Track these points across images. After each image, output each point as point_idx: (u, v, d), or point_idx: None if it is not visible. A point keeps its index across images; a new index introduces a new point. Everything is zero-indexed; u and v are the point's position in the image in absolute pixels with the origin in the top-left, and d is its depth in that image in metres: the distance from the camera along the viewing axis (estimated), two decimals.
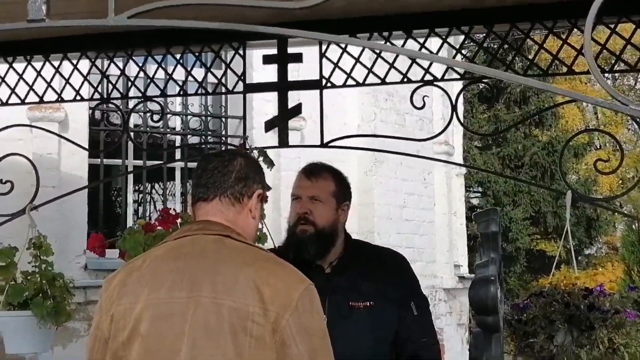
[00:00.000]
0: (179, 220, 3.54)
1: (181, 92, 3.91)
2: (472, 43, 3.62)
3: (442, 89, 3.66)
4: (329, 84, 3.59)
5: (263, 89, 3.90)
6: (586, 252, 20.93)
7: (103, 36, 3.67)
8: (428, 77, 3.49)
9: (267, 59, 3.62)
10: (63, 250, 6.05)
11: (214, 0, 1.92)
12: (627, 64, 3.34)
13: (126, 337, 2.13)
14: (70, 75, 3.85)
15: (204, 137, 7.95)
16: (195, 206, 2.31)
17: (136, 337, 2.12)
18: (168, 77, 3.82)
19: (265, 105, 6.73)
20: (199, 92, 3.94)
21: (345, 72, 3.56)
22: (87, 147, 6.41)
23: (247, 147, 3.81)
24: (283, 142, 3.60)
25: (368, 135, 6.82)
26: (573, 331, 2.90)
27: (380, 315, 3.08)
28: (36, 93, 3.91)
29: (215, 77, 3.79)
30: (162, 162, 7.28)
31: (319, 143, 3.64)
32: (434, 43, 3.60)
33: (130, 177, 7.68)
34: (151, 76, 3.81)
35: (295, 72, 3.66)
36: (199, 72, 3.86)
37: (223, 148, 6.51)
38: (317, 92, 3.62)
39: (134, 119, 7.50)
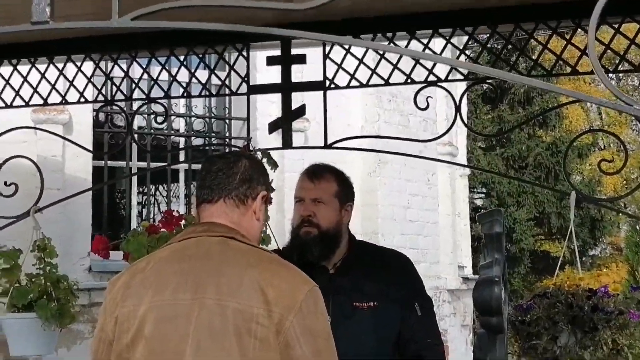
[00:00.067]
0: (182, 222, 3.54)
1: (185, 94, 3.91)
2: (475, 43, 3.61)
3: (446, 90, 3.66)
4: (332, 85, 3.60)
5: (267, 91, 3.90)
6: (590, 253, 20.91)
7: (107, 38, 3.68)
8: (432, 78, 3.49)
9: (270, 61, 3.63)
10: (67, 252, 6.06)
11: (217, 2, 1.92)
12: (631, 64, 3.34)
13: (130, 339, 2.14)
14: (74, 77, 3.86)
15: (207, 138, 7.95)
16: (199, 208, 2.31)
17: (140, 339, 2.12)
18: (172, 78, 3.83)
19: (269, 107, 6.72)
20: (203, 93, 3.95)
21: (348, 73, 3.56)
22: (91, 149, 6.41)
23: (251, 148, 3.81)
24: (287, 144, 3.60)
25: (372, 137, 6.82)
26: (577, 332, 2.89)
27: (384, 315, 3.08)
28: (40, 95, 3.92)
29: (219, 78, 3.79)
30: (166, 163, 7.28)
31: (322, 144, 3.64)
32: (437, 44, 3.60)
33: (135, 179, 7.67)
34: (155, 78, 3.82)
35: (299, 73, 3.66)
36: (202, 74, 3.86)
37: (227, 149, 6.52)
38: (321, 93, 3.62)
39: (138, 121, 7.51)
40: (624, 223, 20.23)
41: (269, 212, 2.64)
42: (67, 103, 3.99)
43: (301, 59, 3.58)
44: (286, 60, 3.58)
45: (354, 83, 3.58)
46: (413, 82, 3.52)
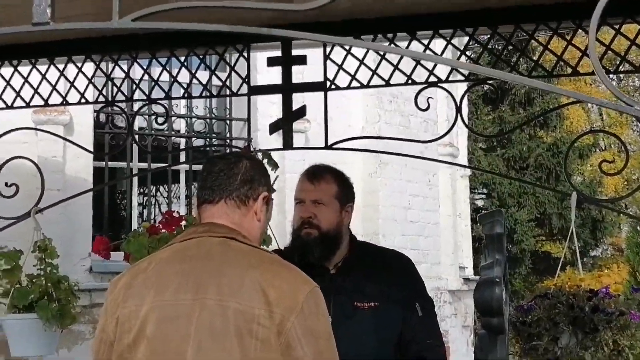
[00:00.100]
0: (183, 223, 3.54)
1: (186, 95, 3.92)
2: (476, 44, 3.61)
3: (447, 91, 3.66)
4: (333, 86, 3.60)
5: (267, 91, 3.90)
6: (591, 254, 20.91)
7: (107, 39, 3.68)
8: (432, 79, 3.49)
9: (271, 61, 3.63)
10: (68, 253, 6.05)
11: (217, 3, 1.93)
12: (632, 64, 3.34)
13: (132, 340, 2.14)
14: (75, 78, 3.86)
15: (208, 139, 7.95)
16: (200, 208, 2.31)
17: (142, 339, 2.12)
18: (172, 79, 3.83)
19: (269, 108, 6.72)
20: (204, 94, 3.95)
21: (349, 74, 3.56)
22: (92, 150, 6.41)
23: (252, 149, 3.81)
24: (287, 144, 3.60)
25: (372, 137, 6.82)
26: (578, 333, 2.89)
27: (385, 316, 3.08)
28: (41, 96, 3.92)
29: (220, 79, 3.79)
30: (166, 164, 7.28)
31: (323, 145, 3.64)
32: (438, 44, 3.60)
33: (135, 179, 7.67)
34: (156, 79, 3.82)
35: (299, 74, 3.66)
36: (203, 75, 3.86)
37: (228, 150, 6.53)
38: (322, 94, 3.62)
39: (139, 122, 7.51)
40: (625, 224, 20.23)
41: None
42: (67, 104, 4.00)
43: (302, 60, 3.58)
44: (287, 61, 3.58)
45: (354, 84, 3.58)
46: (414, 82, 3.52)
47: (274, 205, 2.45)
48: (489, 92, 17.54)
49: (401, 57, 3.45)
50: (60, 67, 3.91)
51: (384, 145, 6.04)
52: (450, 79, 3.57)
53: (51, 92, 3.91)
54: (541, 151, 18.89)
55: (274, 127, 3.65)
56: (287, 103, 3.59)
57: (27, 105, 3.98)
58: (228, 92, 3.88)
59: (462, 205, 10.68)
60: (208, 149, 8.15)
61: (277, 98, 3.79)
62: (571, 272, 3.21)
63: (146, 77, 3.87)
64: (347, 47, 3.56)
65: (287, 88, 3.60)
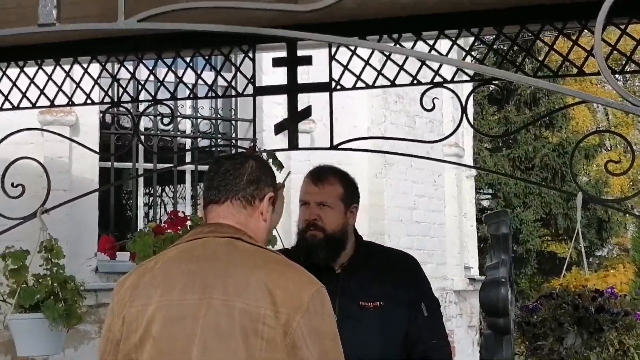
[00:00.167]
0: (188, 223, 3.54)
1: (191, 95, 3.92)
2: (481, 45, 3.61)
3: (452, 91, 3.66)
4: (338, 87, 3.60)
5: (273, 92, 3.90)
6: (597, 254, 20.88)
7: (113, 40, 3.69)
8: (438, 79, 3.49)
9: (276, 62, 3.63)
10: (74, 253, 6.07)
11: (223, 4, 1.93)
12: (637, 64, 3.33)
13: (138, 339, 2.14)
14: (81, 79, 3.87)
15: (214, 139, 7.96)
16: (206, 209, 2.31)
17: (148, 338, 2.13)
18: (178, 80, 3.83)
19: (275, 108, 6.72)
20: (209, 95, 3.95)
21: (354, 74, 3.56)
22: (97, 150, 6.43)
23: (257, 149, 3.82)
24: (293, 145, 3.60)
25: (378, 138, 6.83)
26: (583, 333, 2.89)
27: (390, 316, 3.08)
28: (47, 97, 3.93)
29: (225, 80, 3.79)
30: (172, 165, 7.30)
31: (328, 145, 3.65)
32: (443, 45, 3.60)
33: (141, 180, 7.69)
34: (161, 79, 3.82)
35: (305, 74, 3.66)
36: (209, 76, 3.86)
37: (233, 151, 6.53)
38: (327, 94, 3.62)
39: (145, 122, 7.52)
40: (631, 224, 20.18)
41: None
42: (73, 104, 4.00)
43: (307, 61, 3.58)
44: (292, 62, 3.58)
45: (360, 84, 3.58)
46: (419, 83, 3.52)
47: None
48: (495, 92, 17.49)
49: (406, 58, 3.45)
50: (66, 68, 3.92)
51: (390, 146, 6.05)
52: (455, 79, 3.57)
53: (57, 92, 3.91)
54: (547, 151, 18.88)
55: (279, 128, 3.65)
56: (292, 103, 3.59)
57: (33, 106, 3.99)
58: (233, 93, 3.88)
59: (467, 205, 10.68)
60: (213, 149, 8.16)
61: (283, 99, 3.79)
62: (577, 272, 3.21)
63: (152, 77, 3.87)
64: (353, 48, 3.56)
65: (292, 88, 3.60)
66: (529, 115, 18.89)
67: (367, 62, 3.57)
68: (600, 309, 2.90)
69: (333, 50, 3.60)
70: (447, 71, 3.54)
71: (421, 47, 3.44)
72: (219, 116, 7.91)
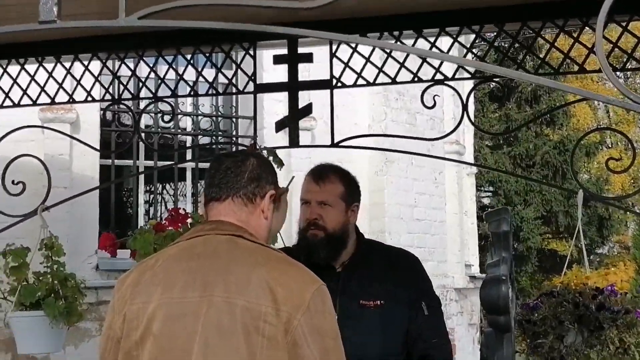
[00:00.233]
0: (189, 220, 3.54)
1: (192, 93, 3.92)
2: (483, 42, 3.61)
3: (453, 88, 3.66)
4: (339, 84, 3.60)
5: (274, 89, 3.90)
6: (598, 252, 20.89)
7: (114, 37, 3.68)
8: (439, 77, 3.49)
9: (277, 59, 3.63)
10: (75, 250, 6.08)
11: (224, 1, 1.92)
12: (639, 62, 3.33)
13: (139, 337, 2.14)
14: (82, 76, 3.87)
15: (214, 137, 7.96)
16: (207, 206, 2.31)
17: (149, 336, 2.12)
18: (179, 77, 3.83)
19: (275, 106, 6.73)
20: (210, 92, 3.95)
21: (355, 71, 3.56)
22: (98, 147, 6.44)
23: (258, 147, 3.82)
24: (293, 142, 3.60)
25: (378, 135, 6.81)
26: (583, 331, 2.89)
27: (391, 314, 3.08)
28: (48, 94, 3.93)
29: (226, 77, 3.79)
30: (173, 162, 7.29)
31: (329, 143, 3.65)
32: (444, 42, 3.60)
33: (142, 177, 7.69)
34: (162, 77, 3.82)
35: (305, 72, 3.66)
36: (209, 73, 3.86)
37: (234, 148, 6.53)
38: (328, 92, 3.62)
39: (145, 120, 7.52)
40: (632, 221, 20.19)
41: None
42: (74, 102, 4.00)
43: (308, 58, 3.58)
44: (293, 59, 3.58)
45: (360, 82, 3.58)
46: (420, 80, 3.52)
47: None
48: (496, 89, 17.45)
49: (407, 55, 3.45)
50: (67, 65, 3.92)
51: (390, 143, 6.06)
52: (456, 76, 3.56)
53: (58, 90, 3.91)
54: (548, 149, 18.89)
55: (280, 125, 3.65)
56: (293, 101, 3.59)
57: (34, 103, 3.99)
58: (234, 90, 3.88)
59: (468, 203, 10.68)
60: (214, 146, 8.17)
61: (283, 96, 3.79)
62: (577, 270, 3.21)
63: (152, 75, 3.87)
64: (353, 45, 3.56)
65: (293, 86, 3.60)
66: (529, 112, 18.90)
67: (367, 60, 3.57)
68: (601, 307, 2.90)
69: (334, 47, 3.60)
70: (448, 68, 3.53)
71: (422, 44, 3.44)
72: (219, 113, 7.91)
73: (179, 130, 7.82)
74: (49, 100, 3.95)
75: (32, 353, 4.37)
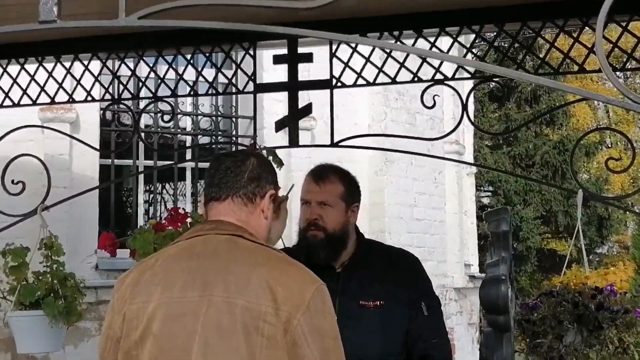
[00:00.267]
0: (188, 220, 3.54)
1: (192, 93, 3.92)
2: (482, 42, 3.61)
3: (453, 88, 3.66)
4: (339, 84, 3.59)
5: (273, 89, 3.90)
6: (597, 251, 20.89)
7: (114, 37, 3.68)
8: (439, 77, 3.49)
9: (277, 59, 3.63)
10: (74, 250, 6.08)
11: (224, 1, 1.92)
12: (638, 62, 3.33)
13: (139, 336, 2.14)
14: (82, 76, 3.87)
15: (214, 137, 7.96)
16: (207, 206, 2.31)
17: (148, 336, 2.12)
18: (179, 77, 3.83)
19: (275, 105, 6.73)
20: (210, 92, 3.95)
21: (355, 71, 3.56)
22: (98, 147, 6.44)
23: (257, 146, 3.82)
24: (293, 142, 3.60)
25: (378, 135, 6.81)
26: (582, 331, 2.89)
27: (391, 315, 3.08)
28: (47, 94, 3.93)
29: (226, 77, 3.79)
30: (172, 162, 7.29)
31: (329, 143, 3.64)
32: (444, 42, 3.60)
33: (141, 177, 7.69)
34: (162, 77, 3.82)
35: (305, 72, 3.66)
36: (209, 73, 3.86)
37: (233, 148, 6.53)
38: (328, 91, 3.62)
39: (145, 120, 7.53)
40: (631, 221, 20.19)
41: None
42: (74, 102, 4.00)
43: (308, 58, 3.57)
44: (293, 59, 3.58)
45: (360, 81, 3.58)
46: (420, 80, 3.52)
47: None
48: (495, 89, 17.44)
49: (407, 55, 3.45)
50: (67, 65, 3.92)
51: (390, 143, 6.05)
52: (456, 76, 3.56)
53: (58, 89, 3.91)
54: (547, 149, 18.89)
55: (279, 125, 3.65)
56: (293, 101, 3.59)
57: (34, 103, 3.99)
58: (234, 90, 3.88)
59: (468, 202, 10.68)
60: (214, 146, 8.17)
61: (283, 96, 3.79)
62: (577, 270, 3.21)
63: (152, 75, 3.87)
64: (353, 45, 3.56)
65: (293, 86, 3.59)
66: (529, 112, 18.90)
67: (367, 60, 3.57)
68: (600, 307, 2.90)
69: (334, 47, 3.60)
70: (448, 68, 3.53)
71: (422, 44, 3.44)
72: (219, 113, 7.91)
73: (179, 130, 7.83)
74: (48, 100, 3.95)
75: (32, 352, 4.37)
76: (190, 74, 3.82)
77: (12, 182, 3.68)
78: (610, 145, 22.95)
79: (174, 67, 3.86)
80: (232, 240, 2.20)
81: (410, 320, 3.11)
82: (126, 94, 3.95)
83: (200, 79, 3.81)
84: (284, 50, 3.60)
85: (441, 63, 3.48)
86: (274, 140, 4.42)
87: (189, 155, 7.67)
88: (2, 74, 3.96)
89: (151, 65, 3.85)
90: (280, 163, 3.65)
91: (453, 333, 8.96)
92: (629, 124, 23.38)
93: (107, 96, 3.97)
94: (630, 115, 22.43)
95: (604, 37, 1.77)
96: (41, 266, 3.58)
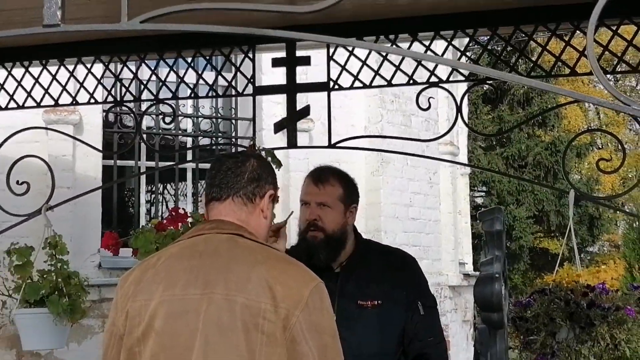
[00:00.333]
0: (189, 220, 3.54)
1: (192, 95, 3.92)
2: (476, 45, 3.61)
3: (447, 91, 3.67)
4: (336, 86, 3.60)
5: (272, 92, 3.91)
6: (589, 250, 20.90)
7: (116, 40, 3.68)
8: (433, 79, 3.49)
9: (276, 62, 3.63)
10: (78, 249, 6.07)
11: (223, 5, 1.92)
12: (629, 65, 3.33)
13: (141, 333, 2.14)
14: (85, 78, 3.87)
15: (214, 138, 7.96)
16: (208, 206, 2.31)
17: (150, 333, 2.12)
18: (179, 80, 3.83)
19: (274, 107, 6.73)
20: (210, 94, 3.95)
21: (352, 74, 3.56)
22: (101, 148, 6.43)
23: (256, 147, 3.81)
24: (292, 143, 3.60)
25: (375, 136, 6.82)
26: (575, 328, 2.89)
27: (388, 314, 3.08)
28: (51, 96, 3.92)
29: (226, 80, 3.79)
30: (174, 163, 7.29)
31: (326, 144, 3.65)
32: (439, 46, 3.60)
33: (143, 177, 7.68)
34: (163, 79, 3.82)
35: (303, 74, 3.66)
36: (209, 75, 3.86)
37: (233, 149, 6.53)
38: (325, 94, 3.62)
39: (147, 121, 7.52)
40: (622, 221, 20.21)
41: (275, 210, 2.64)
42: (77, 104, 4.00)
43: (306, 61, 3.58)
44: (291, 62, 3.58)
45: (357, 84, 3.58)
46: (415, 83, 3.52)
47: (279, 202, 2.45)
48: (489, 92, 17.54)
49: (403, 58, 3.42)
50: (70, 68, 3.91)
51: (386, 144, 6.05)
52: (450, 79, 3.57)
53: (61, 92, 3.91)
54: (539, 150, 18.89)
55: (278, 127, 3.65)
56: (291, 103, 3.59)
57: (38, 105, 3.99)
58: (234, 92, 3.87)
59: (462, 202, 10.68)
60: (214, 147, 8.16)
61: (282, 98, 3.79)
62: (569, 268, 3.21)
63: (154, 77, 3.87)
64: (350, 48, 3.56)
65: (291, 88, 3.60)
66: (522, 114, 18.90)
67: (364, 63, 3.57)
68: (592, 304, 2.90)
69: (331, 50, 3.60)
70: (443, 71, 3.54)
71: (417, 47, 3.45)
72: (219, 115, 7.90)
73: (180, 132, 7.82)
74: (52, 102, 3.95)
75: (37, 349, 4.36)
76: (190, 77, 3.82)
77: (17, 182, 3.68)
78: (601, 147, 22.96)
79: (175, 70, 3.86)
80: (232, 240, 2.20)
81: (407, 319, 3.11)
82: (128, 97, 3.96)
83: (201, 81, 3.81)
84: (282, 54, 3.60)
85: (436, 66, 3.48)
86: (273, 142, 4.42)
87: (189, 156, 7.66)
88: (7, 77, 3.96)
89: (153, 68, 3.85)
90: (279, 164, 3.65)
91: (448, 330, 8.96)
92: (619, 125, 23.39)
93: (110, 98, 3.97)
94: (620, 117, 22.45)
95: (594, 41, 1.77)
96: (46, 265, 3.58)
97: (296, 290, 2.10)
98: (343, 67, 3.58)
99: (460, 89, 8.70)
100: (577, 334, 2.88)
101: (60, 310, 3.45)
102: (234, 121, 7.92)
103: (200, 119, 7.78)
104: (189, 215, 3.57)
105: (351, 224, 3.21)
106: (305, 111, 3.63)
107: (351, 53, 3.59)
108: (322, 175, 3.17)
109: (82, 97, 3.94)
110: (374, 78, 3.56)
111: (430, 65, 3.50)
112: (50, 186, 3.77)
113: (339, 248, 3.14)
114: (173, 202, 8.14)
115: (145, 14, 1.86)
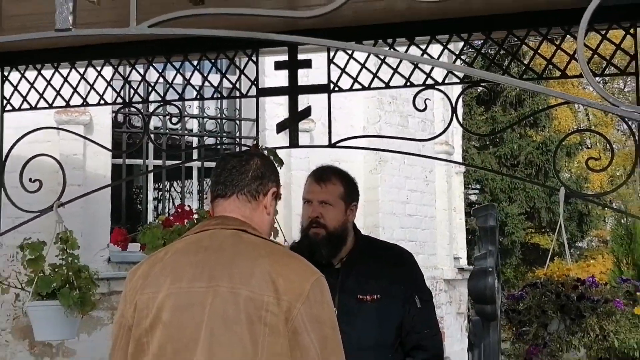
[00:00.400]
0: (194, 216, 3.54)
1: (198, 96, 3.91)
2: (471, 49, 3.61)
3: (443, 92, 3.66)
4: (336, 88, 3.60)
5: (275, 93, 3.90)
6: (578, 245, 20.88)
7: (125, 44, 3.68)
8: (429, 81, 3.49)
9: (278, 65, 3.63)
10: (88, 244, 6.08)
11: (228, 11, 1.92)
12: (617, 67, 3.34)
13: (149, 325, 2.14)
14: (95, 81, 3.87)
15: (219, 138, 7.96)
16: (213, 203, 2.31)
17: (158, 324, 2.12)
18: (186, 82, 3.83)
19: (276, 109, 6.73)
20: (215, 96, 3.95)
21: (351, 77, 3.56)
22: (110, 148, 6.43)
23: (259, 147, 3.81)
24: (293, 143, 3.60)
25: (373, 136, 6.80)
26: (565, 319, 2.89)
27: (386, 308, 3.08)
28: (63, 98, 3.93)
29: (230, 82, 3.79)
30: (180, 161, 7.29)
31: (327, 143, 3.65)
32: (435, 49, 3.60)
33: (151, 176, 7.69)
34: (170, 81, 3.82)
35: (304, 77, 3.66)
36: (214, 78, 3.86)
37: (237, 148, 6.53)
38: (326, 95, 3.62)
39: (154, 122, 7.53)
40: (610, 217, 20.21)
41: (277, 207, 2.64)
42: (87, 105, 4.00)
43: (307, 64, 3.58)
44: (293, 65, 3.58)
45: (356, 86, 3.59)
46: (412, 85, 3.52)
47: (281, 200, 2.45)
48: (483, 93, 17.55)
49: (400, 61, 3.45)
50: (81, 70, 3.92)
51: (384, 144, 6.05)
52: (446, 81, 3.57)
53: (72, 94, 3.91)
54: (531, 149, 18.87)
55: (280, 127, 3.65)
56: (293, 104, 3.59)
57: (50, 106, 3.99)
58: (238, 94, 3.88)
59: (456, 199, 10.69)
60: (219, 147, 8.17)
61: (284, 99, 3.79)
62: (559, 263, 3.21)
63: (161, 79, 3.87)
64: (350, 52, 3.56)
65: (293, 90, 3.60)
66: (514, 115, 18.88)
67: (363, 66, 3.57)
68: (582, 297, 2.90)
69: (331, 54, 3.60)
70: (439, 74, 3.54)
71: (414, 51, 3.45)
72: (224, 116, 7.91)
73: (186, 132, 7.82)
74: (64, 104, 3.95)
75: (49, 340, 4.36)
76: (196, 79, 3.82)
77: (30, 180, 3.69)
78: (590, 146, 22.94)
79: (182, 72, 3.86)
80: (236, 235, 2.20)
81: (404, 313, 3.12)
82: (136, 98, 3.95)
83: (206, 83, 3.81)
84: (284, 57, 3.60)
85: (432, 69, 3.48)
86: (275, 141, 4.42)
87: (195, 155, 7.66)
88: (20, 79, 3.96)
89: (160, 70, 3.85)
90: (281, 162, 3.65)
91: (443, 322, 8.97)
92: (608, 126, 23.37)
93: (119, 100, 3.97)
94: (608, 117, 22.43)
95: (584, 45, 1.77)
96: (57, 259, 3.58)
97: (298, 283, 2.10)
98: (343, 70, 3.58)
99: (455, 90, 8.67)
100: (567, 326, 2.88)
101: (71, 302, 3.46)
102: (238, 122, 7.92)
103: (205, 119, 7.78)
104: (194, 211, 3.58)
105: (351, 221, 3.22)
106: (307, 112, 3.63)
107: (351, 56, 3.59)
108: (324, 175, 3.17)
109: (93, 98, 3.94)
110: (372, 80, 3.56)
111: (427, 68, 3.51)
112: (62, 184, 3.77)
113: (340, 244, 3.15)
114: (179, 199, 8.15)
115: (153, 19, 1.86)
